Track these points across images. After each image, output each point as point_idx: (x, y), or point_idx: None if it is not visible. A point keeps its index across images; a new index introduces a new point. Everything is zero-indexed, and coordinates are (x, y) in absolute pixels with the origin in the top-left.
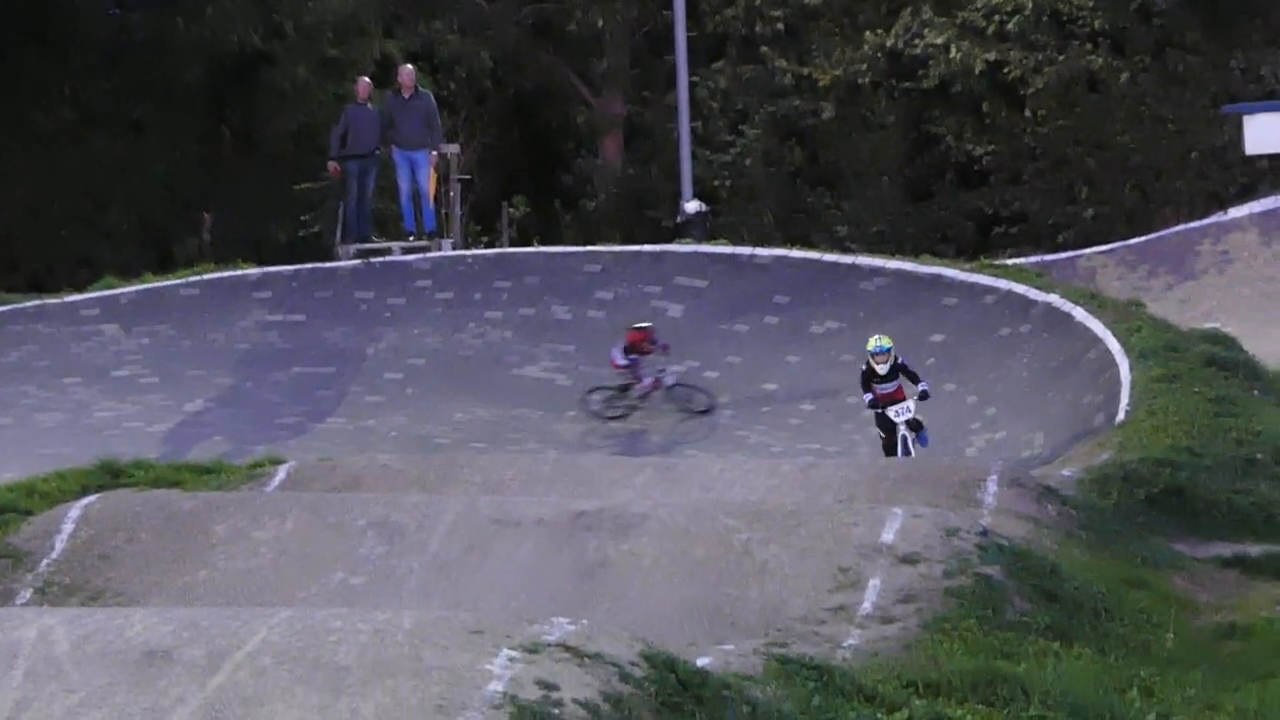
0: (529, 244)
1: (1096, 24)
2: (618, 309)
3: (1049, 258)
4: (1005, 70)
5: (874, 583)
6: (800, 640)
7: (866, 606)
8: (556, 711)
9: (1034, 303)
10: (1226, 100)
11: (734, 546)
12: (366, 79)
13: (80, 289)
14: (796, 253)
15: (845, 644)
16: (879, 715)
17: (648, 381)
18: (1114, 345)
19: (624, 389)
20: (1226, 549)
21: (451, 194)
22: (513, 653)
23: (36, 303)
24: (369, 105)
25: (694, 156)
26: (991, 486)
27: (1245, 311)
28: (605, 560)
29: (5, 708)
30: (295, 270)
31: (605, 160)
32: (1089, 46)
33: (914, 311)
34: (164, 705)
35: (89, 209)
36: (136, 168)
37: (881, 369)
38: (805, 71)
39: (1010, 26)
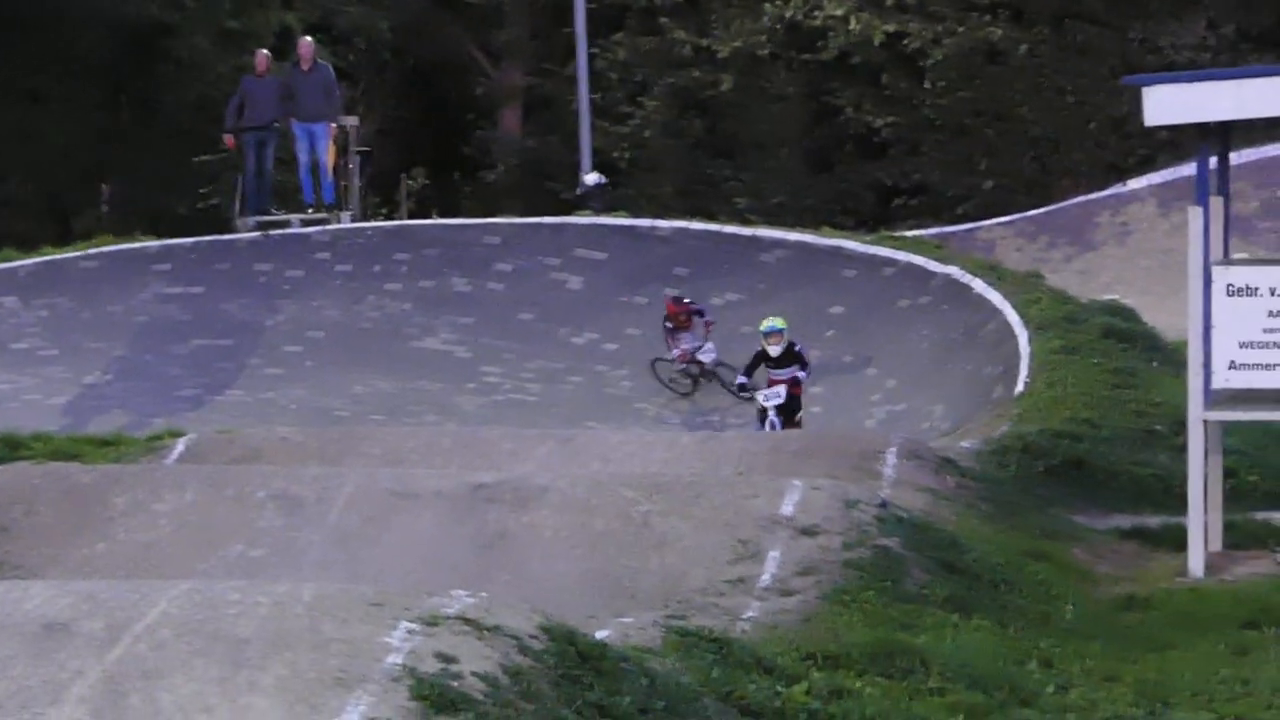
0: (428, 216)
1: None
2: (517, 281)
3: (948, 229)
4: (905, 41)
5: (773, 555)
6: (700, 612)
7: (766, 578)
8: (455, 684)
9: (933, 274)
10: (1126, 71)
11: (634, 519)
12: (265, 51)
13: None
14: (696, 224)
15: (745, 616)
16: (778, 687)
17: (675, 353)
18: (1013, 317)
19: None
20: (1126, 520)
21: (350, 166)
22: (412, 625)
23: None
24: (268, 77)
25: (594, 128)
26: (891, 458)
27: (1144, 283)
28: (505, 532)
29: None
30: (194, 242)
31: (505, 132)
32: (989, 17)
33: (814, 283)
34: (63, 678)
35: None
36: (35, 138)
37: (774, 350)
38: (705, 43)
39: None
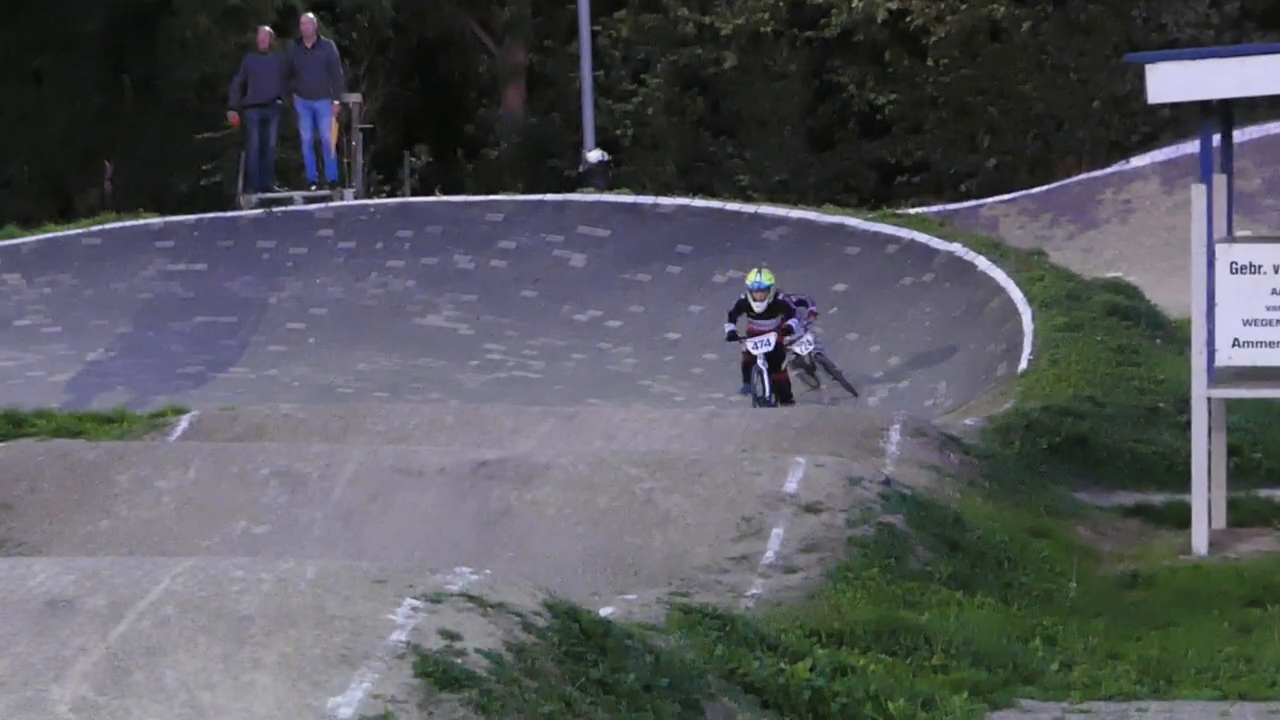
0: (431, 193)
1: None
2: (520, 258)
3: (951, 207)
4: (907, 19)
5: (777, 532)
6: (703, 590)
7: (770, 556)
8: (460, 661)
9: (936, 252)
10: (1129, 49)
11: (637, 496)
12: (267, 28)
13: None
14: (699, 202)
15: (748, 593)
16: (782, 664)
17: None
18: (1016, 294)
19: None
20: (1129, 498)
21: (353, 143)
22: (416, 602)
23: None
24: (270, 54)
25: (596, 106)
26: (894, 436)
27: (1147, 260)
28: (508, 510)
29: None
30: (197, 220)
31: (507, 109)
32: None
33: (817, 261)
34: (66, 655)
35: None
36: (37, 118)
37: (758, 306)
38: (707, 20)
39: None
